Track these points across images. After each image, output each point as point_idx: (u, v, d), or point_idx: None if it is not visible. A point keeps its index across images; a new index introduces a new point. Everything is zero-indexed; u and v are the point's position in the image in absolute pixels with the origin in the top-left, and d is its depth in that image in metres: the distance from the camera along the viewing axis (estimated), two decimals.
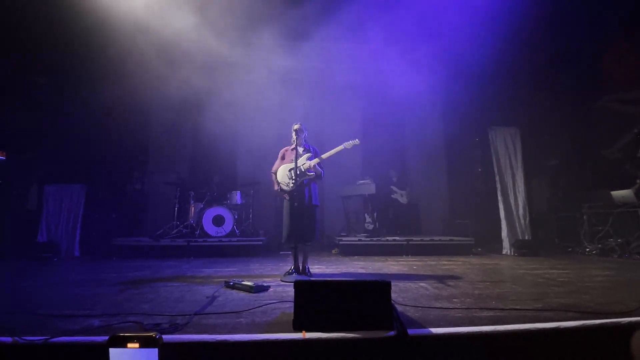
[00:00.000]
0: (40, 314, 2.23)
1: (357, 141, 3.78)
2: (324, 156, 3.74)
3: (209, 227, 6.15)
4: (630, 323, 1.89)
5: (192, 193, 6.58)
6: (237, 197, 6.55)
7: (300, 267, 3.72)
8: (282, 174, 3.77)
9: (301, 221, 3.57)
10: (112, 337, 1.17)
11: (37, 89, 6.34)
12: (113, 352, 1.16)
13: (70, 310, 2.29)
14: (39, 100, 6.38)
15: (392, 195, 7.35)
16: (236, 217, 6.40)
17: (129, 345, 1.14)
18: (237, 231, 6.28)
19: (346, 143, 3.75)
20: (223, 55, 6.35)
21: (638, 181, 5.80)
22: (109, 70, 6.23)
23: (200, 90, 6.48)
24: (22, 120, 6.25)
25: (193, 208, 6.48)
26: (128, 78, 6.47)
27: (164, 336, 1.70)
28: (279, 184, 3.77)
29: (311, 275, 3.75)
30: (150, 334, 1.15)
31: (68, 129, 6.57)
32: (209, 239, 5.95)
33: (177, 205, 6.52)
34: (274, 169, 3.88)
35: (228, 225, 6.18)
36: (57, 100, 6.45)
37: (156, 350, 1.14)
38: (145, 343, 1.15)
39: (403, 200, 7.35)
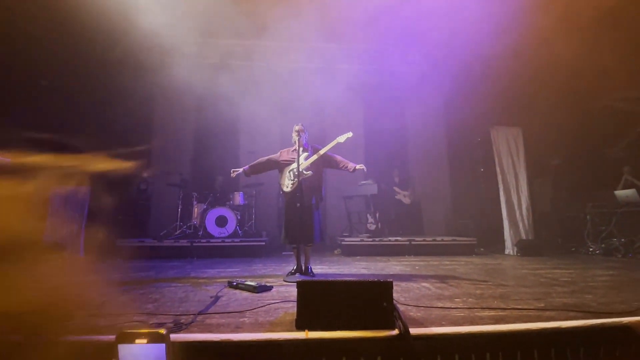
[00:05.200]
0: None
1: (350, 134, 3.83)
2: (321, 152, 3.78)
3: (212, 227, 6.18)
4: (630, 323, 1.89)
5: (195, 194, 6.61)
6: (239, 198, 6.58)
7: (303, 268, 3.74)
8: (284, 175, 3.81)
9: (301, 223, 3.58)
10: (120, 334, 1.21)
11: (40, 89, 6.38)
12: (122, 347, 1.19)
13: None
14: (41, 100, 6.43)
15: (395, 196, 7.36)
16: (239, 217, 6.43)
17: (137, 341, 1.17)
18: (240, 232, 6.31)
19: (340, 137, 3.80)
20: (226, 56, 6.39)
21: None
22: (112, 72, 6.28)
23: (203, 91, 6.52)
24: (25, 119, 6.31)
25: (196, 209, 6.51)
26: (130, 79, 6.53)
27: None
28: (247, 173, 3.88)
29: (314, 275, 3.77)
30: (159, 330, 1.19)
31: (72, 130, 6.61)
32: (212, 240, 5.98)
33: (180, 206, 6.56)
34: (261, 158, 3.94)
35: (231, 225, 6.21)
36: (60, 101, 6.51)
37: (164, 345, 1.18)
38: (153, 339, 1.18)
39: (406, 200, 7.36)
